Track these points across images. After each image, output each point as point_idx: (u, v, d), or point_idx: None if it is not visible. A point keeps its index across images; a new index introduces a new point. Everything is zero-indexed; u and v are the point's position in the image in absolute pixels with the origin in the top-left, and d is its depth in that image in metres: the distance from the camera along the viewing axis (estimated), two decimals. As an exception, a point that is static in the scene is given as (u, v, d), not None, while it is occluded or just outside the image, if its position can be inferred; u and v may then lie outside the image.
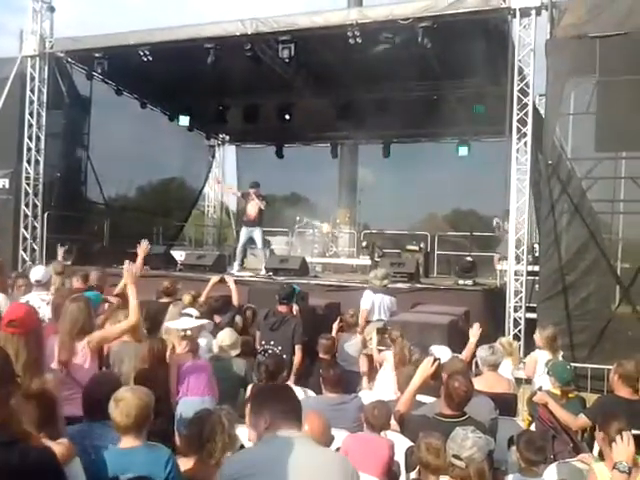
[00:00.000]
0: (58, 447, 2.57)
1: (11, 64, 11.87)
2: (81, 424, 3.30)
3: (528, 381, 6.18)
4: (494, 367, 5.15)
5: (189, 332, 5.03)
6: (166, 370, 4.57)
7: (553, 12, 8.67)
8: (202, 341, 5.63)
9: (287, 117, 15.16)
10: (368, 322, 7.30)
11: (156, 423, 3.23)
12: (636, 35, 7.98)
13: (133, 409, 3.00)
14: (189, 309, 5.56)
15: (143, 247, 5.79)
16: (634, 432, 3.22)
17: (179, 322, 5.22)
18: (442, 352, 5.25)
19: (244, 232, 11.54)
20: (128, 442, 3.01)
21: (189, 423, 3.27)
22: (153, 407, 3.12)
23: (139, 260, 5.73)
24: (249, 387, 5.10)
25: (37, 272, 6.27)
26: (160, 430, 3.44)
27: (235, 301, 7.03)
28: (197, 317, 5.41)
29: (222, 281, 7.31)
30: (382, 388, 5.51)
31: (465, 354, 5.63)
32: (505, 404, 4.66)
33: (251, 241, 11.63)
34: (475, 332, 5.69)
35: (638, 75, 7.93)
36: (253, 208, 11.28)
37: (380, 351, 6.11)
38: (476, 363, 5.40)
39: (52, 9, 12.06)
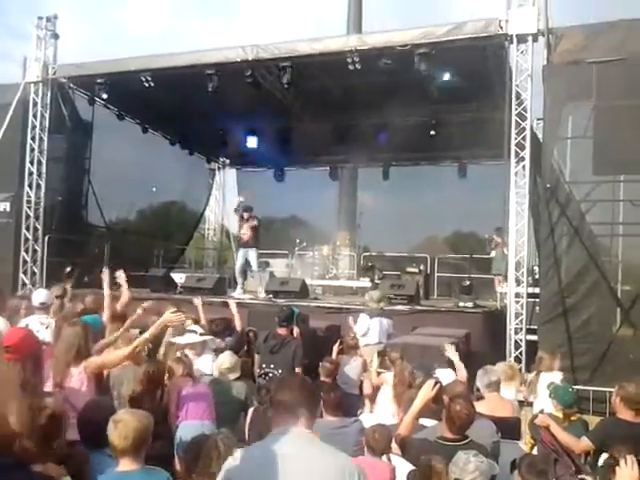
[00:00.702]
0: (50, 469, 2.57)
1: (14, 90, 12.00)
2: None
3: (530, 404, 6.13)
4: (494, 387, 5.10)
5: (178, 353, 5.04)
6: (164, 393, 4.55)
7: (550, 38, 8.80)
8: (207, 357, 5.63)
9: (287, 141, 15.30)
10: (366, 345, 7.28)
11: (155, 446, 3.20)
12: (632, 60, 8.11)
13: (131, 431, 2.97)
14: (193, 326, 5.58)
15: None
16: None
17: (183, 338, 5.22)
18: (446, 375, 5.23)
19: (240, 254, 11.74)
20: (125, 465, 2.98)
21: (186, 448, 3.25)
22: (152, 430, 3.11)
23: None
24: (250, 411, 5.06)
25: (40, 295, 6.26)
26: (160, 454, 3.41)
27: (238, 326, 7.01)
28: (201, 334, 5.42)
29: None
30: (382, 411, 5.47)
31: (459, 375, 5.61)
32: (508, 428, 4.63)
33: (248, 263, 11.68)
34: (451, 351, 5.68)
35: (635, 100, 8.03)
36: (246, 230, 11.44)
37: (379, 374, 6.08)
38: (477, 388, 5.36)
39: (56, 36, 12.23)
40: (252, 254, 11.46)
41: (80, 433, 3.34)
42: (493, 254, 12.88)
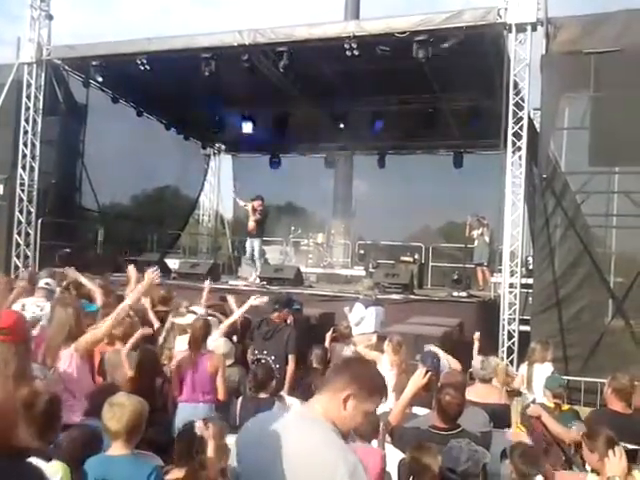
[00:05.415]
0: None
1: (8, 71, 11.83)
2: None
3: (520, 394, 6.16)
4: (484, 381, 5.15)
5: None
6: (162, 379, 4.54)
7: (548, 28, 8.74)
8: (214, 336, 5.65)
9: (283, 127, 15.21)
10: (362, 334, 7.30)
11: (152, 432, 3.20)
12: (630, 51, 8.07)
13: (125, 415, 2.98)
14: (194, 307, 5.57)
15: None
16: (630, 447, 3.21)
17: (184, 319, 5.24)
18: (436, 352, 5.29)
19: (248, 243, 12.05)
20: (116, 449, 2.99)
21: (178, 435, 3.24)
22: (147, 416, 3.10)
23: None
24: (239, 400, 5.04)
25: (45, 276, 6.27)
26: (157, 440, 3.41)
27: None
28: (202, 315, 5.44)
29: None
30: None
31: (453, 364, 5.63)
32: (498, 416, 4.65)
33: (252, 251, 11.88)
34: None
35: (632, 91, 8.02)
36: (252, 221, 11.78)
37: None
38: (471, 374, 5.39)
39: (50, 17, 12.04)
40: (255, 244, 11.82)
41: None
42: (476, 243, 12.93)
